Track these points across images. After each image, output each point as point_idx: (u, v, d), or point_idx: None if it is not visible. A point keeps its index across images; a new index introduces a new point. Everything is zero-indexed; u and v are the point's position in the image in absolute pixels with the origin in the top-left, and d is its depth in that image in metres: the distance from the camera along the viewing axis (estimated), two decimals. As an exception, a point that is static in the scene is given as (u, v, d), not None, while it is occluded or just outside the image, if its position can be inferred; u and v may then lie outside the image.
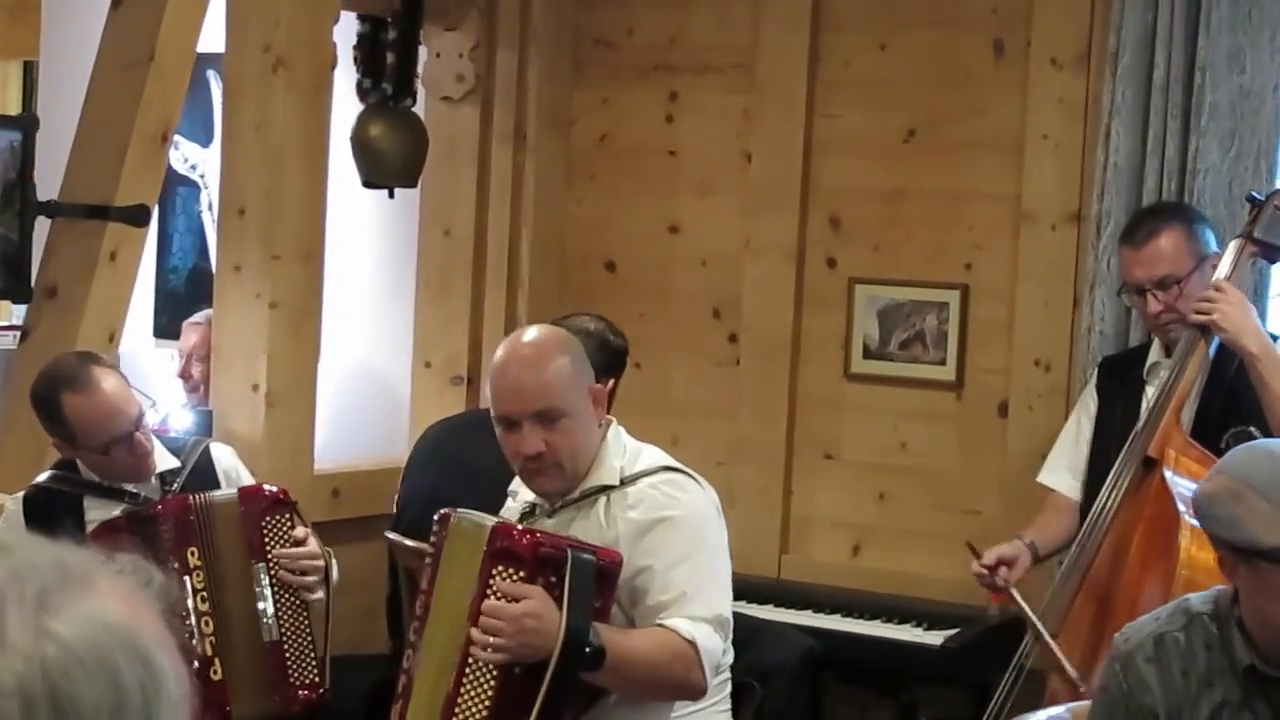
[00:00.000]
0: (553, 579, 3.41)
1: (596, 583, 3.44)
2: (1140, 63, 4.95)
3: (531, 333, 3.76)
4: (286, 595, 4.09)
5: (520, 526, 3.57)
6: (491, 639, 3.39)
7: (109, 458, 4.12)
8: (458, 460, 4.86)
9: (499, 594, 3.43)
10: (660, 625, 3.49)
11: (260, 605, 4.06)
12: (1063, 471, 4.71)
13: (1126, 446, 4.25)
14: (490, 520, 3.56)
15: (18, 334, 5.24)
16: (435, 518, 3.69)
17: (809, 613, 5.21)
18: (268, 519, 4.10)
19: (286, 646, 4.07)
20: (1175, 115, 4.88)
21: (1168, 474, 4.08)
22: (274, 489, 4.19)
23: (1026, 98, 5.31)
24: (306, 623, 4.10)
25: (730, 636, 3.66)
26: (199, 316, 5.90)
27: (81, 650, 1.24)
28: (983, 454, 5.41)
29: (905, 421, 5.54)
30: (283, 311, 5.10)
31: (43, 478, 4.26)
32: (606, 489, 3.62)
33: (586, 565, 3.43)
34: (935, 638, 5.03)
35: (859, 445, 5.62)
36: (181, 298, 6.40)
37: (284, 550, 4.09)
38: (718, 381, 5.80)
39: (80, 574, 1.31)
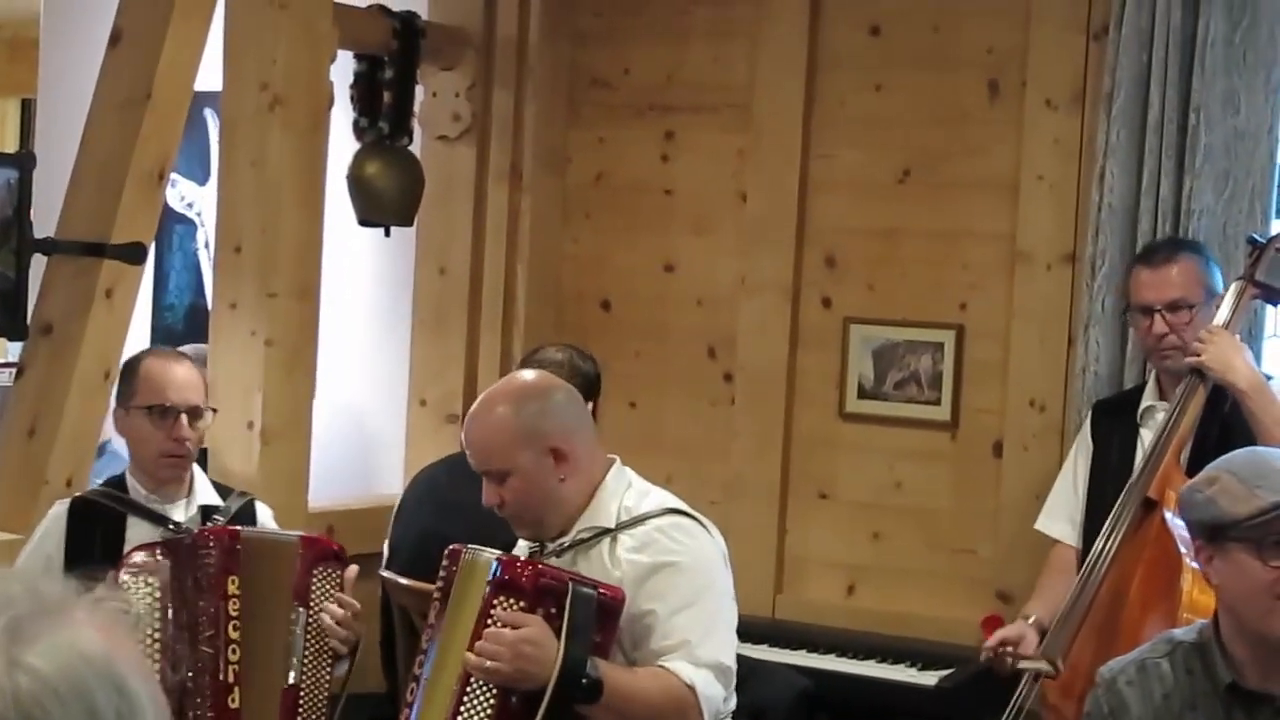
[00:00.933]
0: (553, 610, 3.44)
1: (598, 617, 3.46)
2: (1135, 104, 4.96)
3: (502, 382, 3.85)
4: (316, 645, 4.07)
5: (523, 559, 3.59)
6: (488, 662, 3.41)
7: (150, 422, 4.19)
8: (449, 500, 4.86)
9: (499, 623, 3.45)
10: (662, 667, 3.49)
11: (290, 647, 4.05)
12: (1064, 522, 4.71)
13: (1126, 488, 4.26)
14: (495, 554, 3.58)
15: (13, 371, 5.24)
16: (445, 553, 3.69)
17: (803, 652, 5.20)
18: (320, 569, 4.10)
19: (302, 694, 4.05)
20: (1170, 156, 4.90)
21: (1169, 516, 4.08)
22: (334, 543, 4.20)
23: (1021, 138, 5.32)
24: (327, 678, 4.09)
25: (733, 685, 3.65)
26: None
27: (55, 680, 1.24)
28: (977, 494, 5.42)
29: (900, 461, 5.54)
30: (278, 349, 5.10)
31: (93, 489, 4.32)
32: (606, 532, 3.62)
33: (587, 599, 3.45)
34: (929, 678, 5.03)
35: (854, 485, 5.61)
36: (178, 335, 6.40)
37: (337, 595, 4.08)
38: (712, 420, 5.80)
39: (56, 603, 1.31)
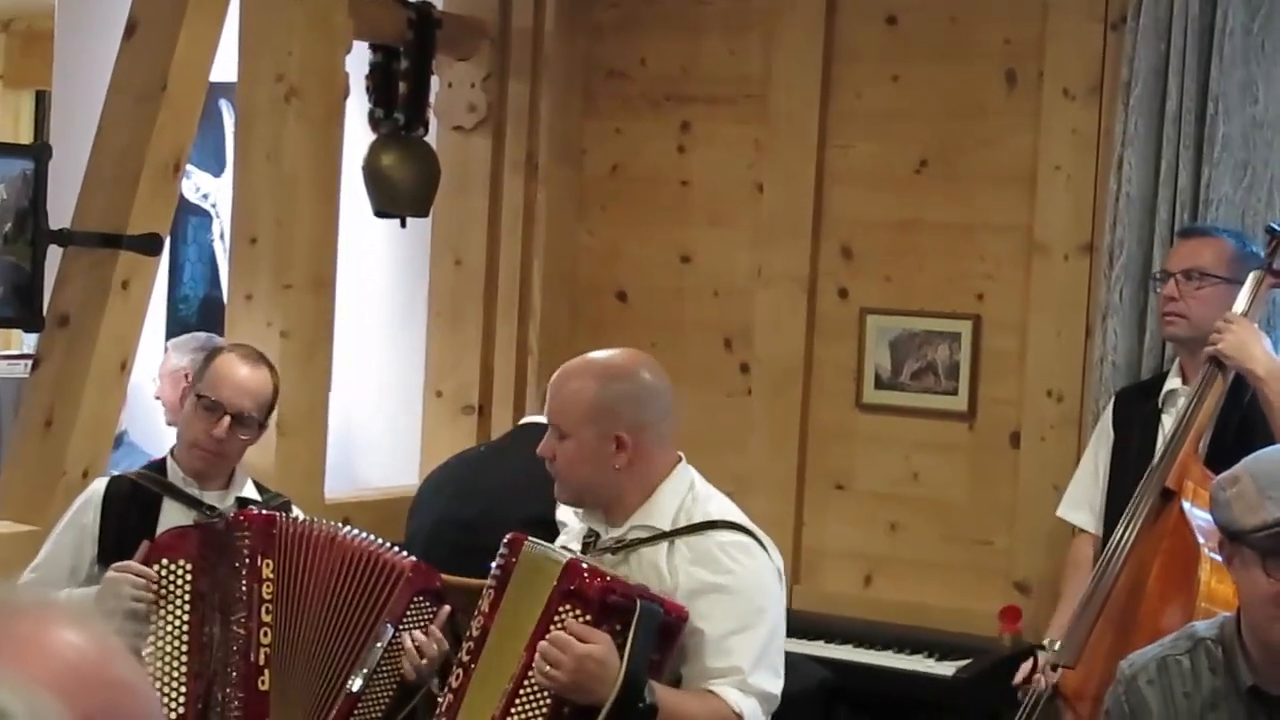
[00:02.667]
0: (618, 627, 3.39)
1: (659, 637, 3.42)
2: (1153, 94, 4.95)
3: (603, 352, 3.76)
4: (390, 667, 4.08)
5: (592, 566, 3.52)
6: (548, 667, 3.38)
7: (194, 412, 4.22)
8: (465, 487, 4.88)
9: (555, 643, 3.40)
10: (711, 691, 3.46)
11: (364, 656, 4.05)
12: (1085, 509, 4.71)
13: (1144, 478, 4.25)
14: (563, 556, 3.53)
15: (29, 363, 5.24)
16: (505, 541, 3.67)
17: (821, 643, 5.20)
18: (418, 598, 4.11)
19: (360, 705, 4.06)
20: (1188, 146, 4.88)
21: (1186, 506, 4.07)
22: (439, 579, 4.18)
23: (1039, 128, 5.31)
24: (388, 699, 4.09)
25: (772, 714, 3.62)
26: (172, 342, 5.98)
27: None
28: (994, 484, 5.41)
29: (917, 452, 5.53)
30: (294, 340, 5.10)
31: (133, 470, 4.35)
32: (662, 535, 3.58)
33: (653, 619, 3.41)
34: (947, 668, 5.02)
35: (870, 476, 5.61)
36: (193, 326, 6.41)
37: (429, 629, 4.06)
38: (729, 411, 5.79)
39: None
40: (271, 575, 4.04)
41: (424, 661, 3.98)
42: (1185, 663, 3.17)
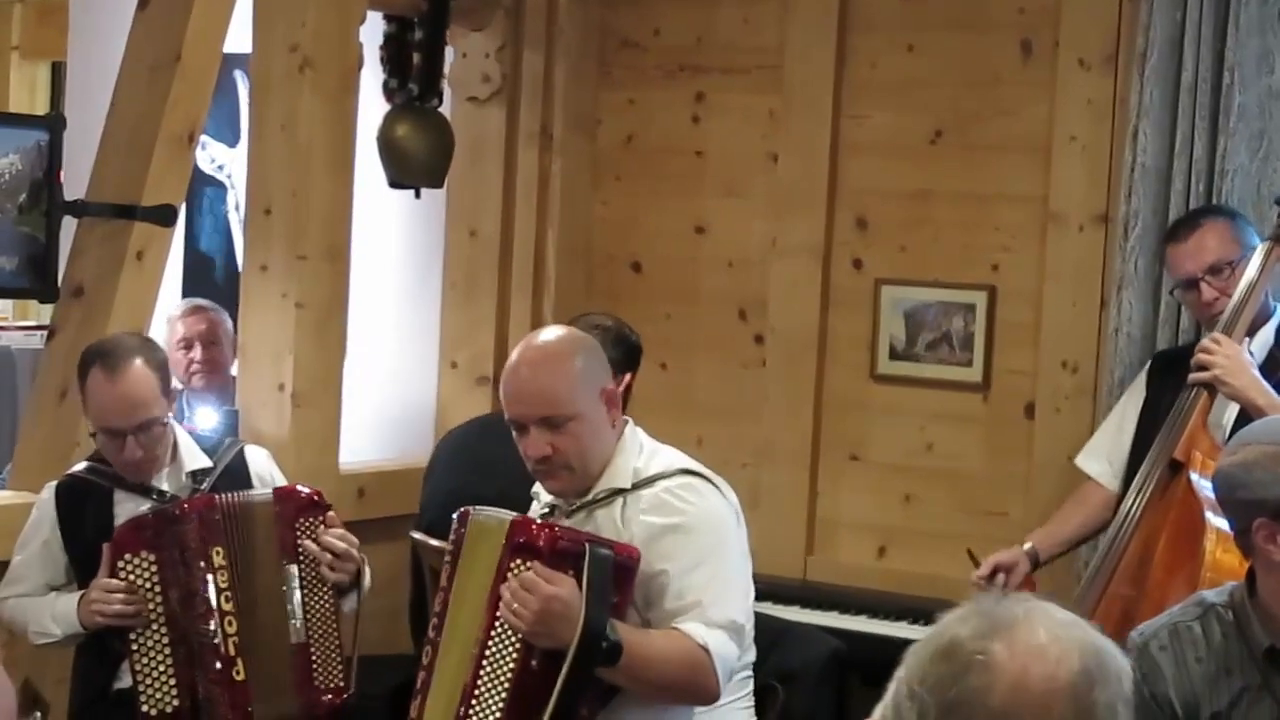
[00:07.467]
0: (570, 573, 3.42)
1: (615, 577, 3.45)
2: (1169, 63, 4.93)
3: (544, 334, 3.77)
4: (317, 598, 4.08)
5: (539, 521, 3.57)
6: (516, 606, 3.39)
7: (100, 440, 4.15)
8: (479, 459, 4.87)
9: (522, 585, 3.41)
10: (676, 629, 3.49)
11: (289, 607, 4.06)
12: (1103, 460, 4.70)
13: (1153, 449, 4.25)
14: (509, 515, 3.55)
15: (45, 333, 5.25)
16: (455, 516, 3.69)
17: (834, 614, 5.20)
18: (301, 520, 4.10)
19: (313, 649, 4.06)
20: (1203, 116, 4.87)
21: (1194, 477, 4.07)
22: (309, 490, 4.19)
23: (1054, 98, 5.29)
24: (334, 626, 4.09)
25: (748, 642, 3.66)
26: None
27: None
28: (1009, 456, 5.40)
29: (931, 423, 5.53)
30: (309, 311, 5.10)
31: (78, 468, 4.28)
32: (620, 492, 3.61)
33: (605, 560, 3.44)
34: (961, 640, 5.01)
35: (885, 447, 5.60)
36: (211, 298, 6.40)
37: (323, 541, 4.09)
38: (744, 382, 5.79)
39: None
40: (224, 562, 4.00)
41: (337, 558, 4.06)
42: (1196, 629, 3.18)
